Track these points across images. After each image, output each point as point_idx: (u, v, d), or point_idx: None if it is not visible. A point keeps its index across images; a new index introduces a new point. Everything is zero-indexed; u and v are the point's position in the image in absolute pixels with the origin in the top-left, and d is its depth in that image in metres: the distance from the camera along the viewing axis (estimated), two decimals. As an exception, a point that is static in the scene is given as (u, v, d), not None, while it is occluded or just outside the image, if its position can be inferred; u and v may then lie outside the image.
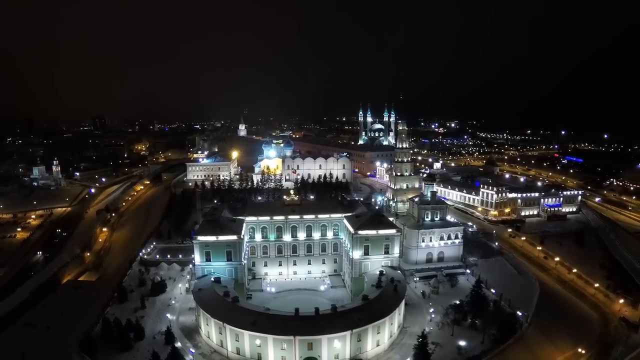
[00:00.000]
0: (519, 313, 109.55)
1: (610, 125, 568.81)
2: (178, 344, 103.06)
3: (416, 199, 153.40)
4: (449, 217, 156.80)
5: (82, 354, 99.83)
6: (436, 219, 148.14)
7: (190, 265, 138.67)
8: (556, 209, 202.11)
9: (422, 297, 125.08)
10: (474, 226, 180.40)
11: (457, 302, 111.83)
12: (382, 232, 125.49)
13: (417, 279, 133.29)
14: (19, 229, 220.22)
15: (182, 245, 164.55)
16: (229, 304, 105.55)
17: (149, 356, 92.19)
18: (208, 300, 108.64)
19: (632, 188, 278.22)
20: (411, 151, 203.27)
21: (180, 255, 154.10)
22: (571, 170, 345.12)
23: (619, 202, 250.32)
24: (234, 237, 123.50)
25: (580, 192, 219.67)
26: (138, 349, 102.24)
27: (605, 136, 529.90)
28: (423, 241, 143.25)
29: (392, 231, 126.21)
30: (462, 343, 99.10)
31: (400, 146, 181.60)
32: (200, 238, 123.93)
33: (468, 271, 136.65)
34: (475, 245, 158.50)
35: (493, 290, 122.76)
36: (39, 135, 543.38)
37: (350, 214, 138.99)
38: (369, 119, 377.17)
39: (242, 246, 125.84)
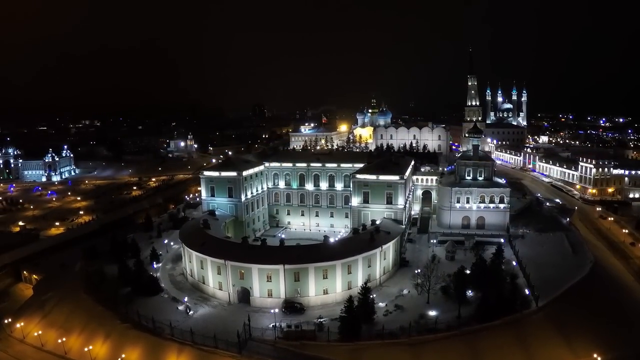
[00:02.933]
0: (527, 292, 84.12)
1: None
2: (155, 265, 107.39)
3: (458, 155, 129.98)
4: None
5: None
6: (479, 178, 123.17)
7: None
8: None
9: (432, 261, 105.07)
10: (558, 200, 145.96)
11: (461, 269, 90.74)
12: (382, 177, 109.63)
13: (435, 241, 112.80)
14: (134, 188, 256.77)
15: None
16: (199, 229, 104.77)
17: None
18: (189, 227, 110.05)
19: None
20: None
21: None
22: None
23: None
24: (233, 174, 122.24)
25: None
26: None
27: None
28: (458, 202, 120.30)
29: (394, 177, 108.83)
30: (432, 313, 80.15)
31: (470, 104, 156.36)
32: (206, 173, 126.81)
33: (502, 240, 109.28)
34: (541, 218, 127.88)
35: (514, 263, 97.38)
36: (203, 120, 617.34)
37: (369, 164, 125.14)
38: (499, 99, 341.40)
39: (242, 183, 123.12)
